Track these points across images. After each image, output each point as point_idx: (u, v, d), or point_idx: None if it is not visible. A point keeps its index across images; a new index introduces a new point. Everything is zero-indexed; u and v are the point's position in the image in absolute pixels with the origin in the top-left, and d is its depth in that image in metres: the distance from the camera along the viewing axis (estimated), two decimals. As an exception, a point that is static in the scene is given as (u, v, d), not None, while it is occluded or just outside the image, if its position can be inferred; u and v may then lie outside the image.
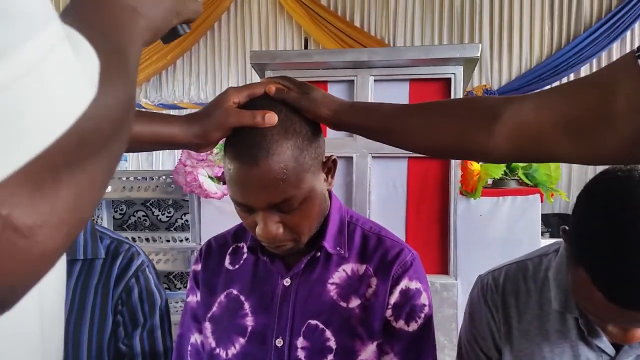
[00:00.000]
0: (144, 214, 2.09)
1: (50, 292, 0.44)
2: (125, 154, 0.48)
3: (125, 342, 1.03)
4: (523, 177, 1.66)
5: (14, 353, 0.39)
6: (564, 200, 4.19)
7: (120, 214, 2.13)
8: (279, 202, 0.73)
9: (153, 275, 1.11)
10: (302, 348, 0.81)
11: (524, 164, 1.66)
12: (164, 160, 5.11)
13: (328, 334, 0.81)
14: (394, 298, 0.82)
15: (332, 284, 0.84)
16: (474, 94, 4.57)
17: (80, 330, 0.99)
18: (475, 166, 1.59)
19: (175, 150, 3.81)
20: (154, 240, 1.87)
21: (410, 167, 1.66)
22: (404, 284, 0.83)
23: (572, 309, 0.83)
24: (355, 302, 0.82)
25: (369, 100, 1.63)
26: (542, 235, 1.77)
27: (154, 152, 5.04)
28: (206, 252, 0.95)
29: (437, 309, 1.59)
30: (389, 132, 0.76)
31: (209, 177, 1.67)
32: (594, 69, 4.38)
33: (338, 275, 0.84)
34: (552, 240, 1.02)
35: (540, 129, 0.63)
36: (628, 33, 4.26)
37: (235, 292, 0.88)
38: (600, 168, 0.74)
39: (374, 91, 1.65)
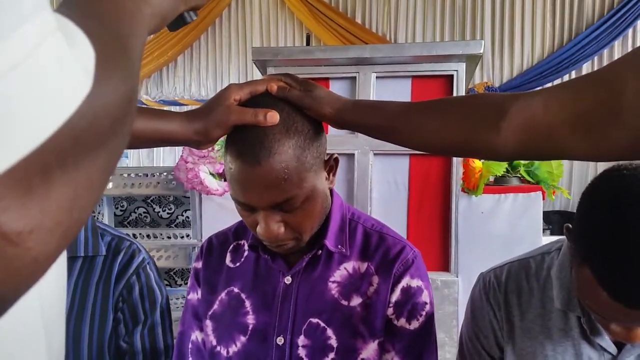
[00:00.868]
0: (144, 210, 2.09)
1: (50, 290, 0.44)
2: (125, 150, 0.48)
3: (126, 340, 1.03)
4: (525, 175, 1.66)
5: (20, 353, 0.39)
6: (565, 198, 4.19)
7: (121, 210, 2.12)
8: (281, 201, 0.73)
9: (154, 272, 1.11)
10: (303, 346, 0.81)
11: (526, 162, 1.65)
12: (165, 156, 5.10)
13: (329, 332, 0.81)
14: (396, 296, 0.82)
15: (333, 282, 0.83)
16: (475, 92, 4.55)
17: (81, 328, 0.99)
18: (477, 163, 1.58)
19: (176, 147, 3.83)
20: (155, 237, 1.87)
21: (412, 164, 1.66)
22: (405, 282, 0.82)
23: (574, 308, 0.82)
24: (356, 301, 0.82)
25: (371, 97, 1.63)
26: (543, 232, 1.77)
27: (155, 149, 5.04)
28: (207, 250, 0.95)
29: (438, 306, 1.59)
30: (394, 131, 0.76)
31: (211, 173, 1.67)
32: (596, 67, 4.36)
33: (339, 274, 0.84)
34: (554, 238, 1.01)
35: (549, 125, 0.62)
36: (630, 30, 4.24)
37: (236, 290, 0.88)
38: (601, 166, 0.73)
39: (376, 88, 1.64)
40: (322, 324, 0.81)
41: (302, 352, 0.81)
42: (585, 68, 4.37)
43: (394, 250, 0.85)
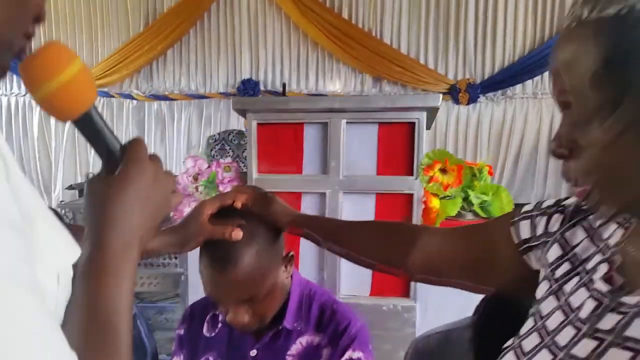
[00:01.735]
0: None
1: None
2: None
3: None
4: (479, 210, 1.83)
5: None
6: (540, 194, 4.39)
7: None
8: (246, 299, 0.91)
9: (143, 327, 1.29)
10: (267, 409, 1.00)
11: (478, 200, 1.83)
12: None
13: (289, 399, 1.00)
14: (341, 365, 1.00)
15: (290, 355, 1.02)
16: (458, 88, 4.69)
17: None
18: (434, 203, 1.76)
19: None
20: (147, 266, 2.05)
21: (377, 202, 1.83)
22: (348, 354, 1.01)
23: None
24: (310, 370, 1.01)
25: (341, 140, 1.79)
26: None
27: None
28: (189, 318, 1.13)
29: (399, 328, 1.79)
30: (333, 243, 0.93)
31: (195, 212, 1.84)
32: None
33: (295, 348, 1.02)
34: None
35: (442, 263, 0.80)
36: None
37: (211, 359, 1.06)
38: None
39: (346, 132, 1.80)
40: (282, 391, 1.00)
41: (267, 415, 1.00)
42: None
43: (342, 325, 1.03)
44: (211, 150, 5.15)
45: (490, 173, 1.89)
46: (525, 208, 0.73)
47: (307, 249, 1.83)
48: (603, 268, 0.58)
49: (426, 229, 0.87)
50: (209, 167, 1.91)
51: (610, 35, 0.49)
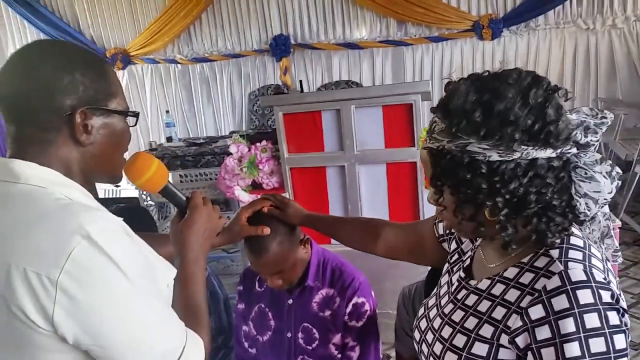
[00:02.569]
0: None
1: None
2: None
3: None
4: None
5: None
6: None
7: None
8: (276, 272, 1.39)
9: (216, 281, 1.81)
10: (301, 338, 1.51)
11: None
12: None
13: (314, 330, 1.50)
14: (348, 309, 1.48)
15: (314, 302, 1.51)
16: (481, 24, 4.82)
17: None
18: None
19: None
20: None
21: (388, 170, 2.25)
22: (354, 300, 1.48)
23: None
24: (327, 312, 1.49)
25: (352, 123, 2.18)
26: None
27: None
28: (244, 278, 1.63)
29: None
30: (329, 234, 1.39)
31: (243, 189, 2.32)
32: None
33: (317, 297, 1.51)
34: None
35: (396, 249, 1.25)
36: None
37: (262, 306, 1.57)
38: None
39: (356, 115, 2.19)
40: (309, 326, 1.50)
41: (300, 341, 1.50)
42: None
43: (347, 281, 1.50)
44: (253, 105, 5.60)
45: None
46: None
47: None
48: (467, 261, 1.00)
49: (388, 224, 1.31)
50: (249, 150, 2.37)
51: (435, 158, 0.88)
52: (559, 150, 0.80)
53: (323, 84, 5.32)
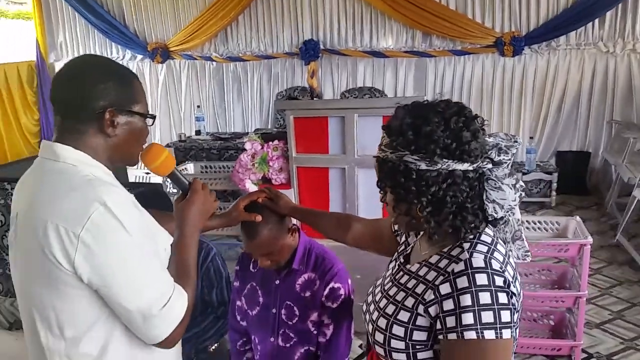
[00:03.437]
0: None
1: None
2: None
3: (207, 297, 2.01)
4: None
5: None
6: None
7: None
8: (266, 253, 1.64)
9: (220, 261, 2.08)
10: (283, 314, 1.75)
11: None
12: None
13: (295, 308, 1.74)
14: (326, 292, 1.72)
15: (298, 284, 1.75)
16: (503, 41, 4.97)
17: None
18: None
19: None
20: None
21: (383, 174, 2.47)
22: (331, 285, 1.72)
23: None
24: (308, 293, 1.73)
25: (355, 130, 2.42)
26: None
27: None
28: (241, 260, 1.89)
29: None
30: (310, 225, 1.63)
31: (254, 183, 2.59)
32: (619, 15, 4.61)
33: (301, 280, 1.75)
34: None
35: (362, 240, 1.48)
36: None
37: (254, 284, 1.82)
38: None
39: (358, 123, 2.42)
40: (291, 304, 1.74)
41: (283, 316, 1.75)
42: (609, 15, 4.62)
43: (327, 267, 1.73)
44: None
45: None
46: None
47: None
48: (409, 250, 1.23)
49: (357, 220, 1.54)
50: (262, 147, 2.64)
51: (380, 165, 1.10)
52: (475, 165, 1.03)
53: (347, 89, 5.56)
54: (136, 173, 4.28)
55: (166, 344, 1.11)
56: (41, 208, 1.03)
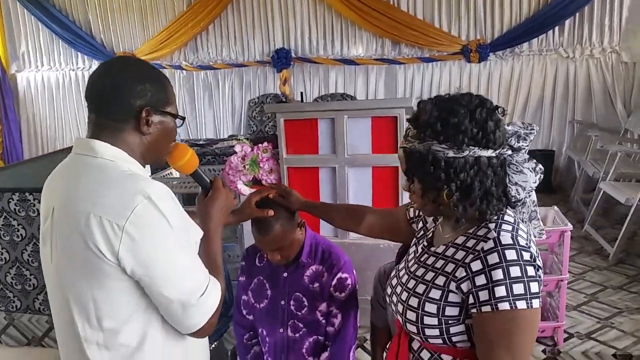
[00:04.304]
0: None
1: None
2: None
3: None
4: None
5: None
6: (539, 144, 4.92)
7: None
8: (276, 248, 1.68)
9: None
10: (292, 305, 1.79)
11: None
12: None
13: (304, 299, 1.78)
14: (334, 282, 1.77)
15: (306, 276, 1.80)
16: (469, 48, 5.18)
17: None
18: (413, 174, 2.46)
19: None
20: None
21: (373, 173, 2.56)
22: (339, 275, 1.77)
23: None
24: (316, 285, 1.78)
25: (344, 131, 2.49)
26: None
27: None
28: (246, 255, 1.92)
29: (390, 259, 2.55)
30: (322, 218, 1.69)
31: (245, 184, 2.62)
32: (577, 23, 4.90)
33: (309, 272, 1.80)
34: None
35: (375, 230, 1.55)
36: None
37: (261, 278, 1.85)
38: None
39: (348, 124, 2.50)
40: (301, 295, 1.79)
41: (292, 308, 1.79)
42: (568, 24, 4.90)
43: (334, 260, 1.79)
44: (252, 112, 5.91)
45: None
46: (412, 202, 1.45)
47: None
48: (430, 234, 1.30)
49: (369, 210, 1.61)
50: (252, 150, 2.67)
51: (408, 155, 1.18)
52: (497, 151, 1.11)
53: (320, 95, 5.65)
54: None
55: (201, 332, 1.14)
56: (82, 201, 1.05)
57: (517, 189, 1.15)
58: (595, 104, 4.97)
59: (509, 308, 1.03)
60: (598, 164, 4.06)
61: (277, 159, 2.66)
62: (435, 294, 1.14)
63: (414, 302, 1.17)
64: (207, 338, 1.31)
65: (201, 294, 1.12)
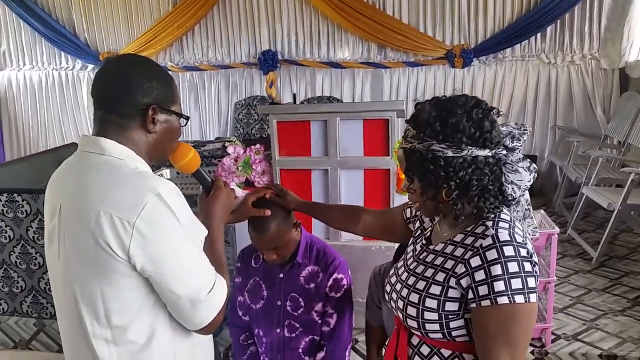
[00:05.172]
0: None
1: None
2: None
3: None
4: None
5: None
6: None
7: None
8: (272, 248, 1.70)
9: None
10: (289, 306, 1.81)
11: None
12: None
13: (300, 299, 1.80)
14: (329, 282, 1.80)
15: (302, 276, 1.82)
16: (453, 53, 5.27)
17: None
18: (403, 175, 2.50)
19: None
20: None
21: (365, 175, 2.59)
22: (334, 276, 1.80)
23: None
24: (312, 285, 1.81)
25: (337, 133, 2.52)
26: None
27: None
28: (241, 256, 1.94)
29: (382, 261, 2.59)
30: (318, 218, 1.71)
31: (237, 185, 2.63)
32: (558, 30, 5.02)
33: (304, 272, 1.82)
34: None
35: (372, 230, 1.58)
36: (587, -1, 4.88)
37: (257, 279, 1.87)
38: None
39: (340, 127, 2.53)
40: (297, 295, 1.81)
41: (288, 308, 1.81)
42: (549, 30, 5.02)
43: (330, 260, 1.81)
44: (238, 114, 5.91)
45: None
46: (408, 202, 1.48)
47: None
48: (428, 233, 1.34)
49: (365, 210, 1.64)
50: (244, 152, 2.68)
51: (408, 155, 1.21)
52: (493, 151, 1.15)
53: (306, 98, 5.68)
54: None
55: (208, 329, 1.16)
56: (91, 198, 1.05)
57: (513, 188, 1.20)
58: (576, 109, 5.09)
59: (507, 302, 1.07)
60: (580, 169, 4.15)
61: (270, 160, 2.68)
62: (435, 289, 1.17)
63: (414, 298, 1.20)
64: (212, 335, 1.33)
65: (209, 290, 1.13)
